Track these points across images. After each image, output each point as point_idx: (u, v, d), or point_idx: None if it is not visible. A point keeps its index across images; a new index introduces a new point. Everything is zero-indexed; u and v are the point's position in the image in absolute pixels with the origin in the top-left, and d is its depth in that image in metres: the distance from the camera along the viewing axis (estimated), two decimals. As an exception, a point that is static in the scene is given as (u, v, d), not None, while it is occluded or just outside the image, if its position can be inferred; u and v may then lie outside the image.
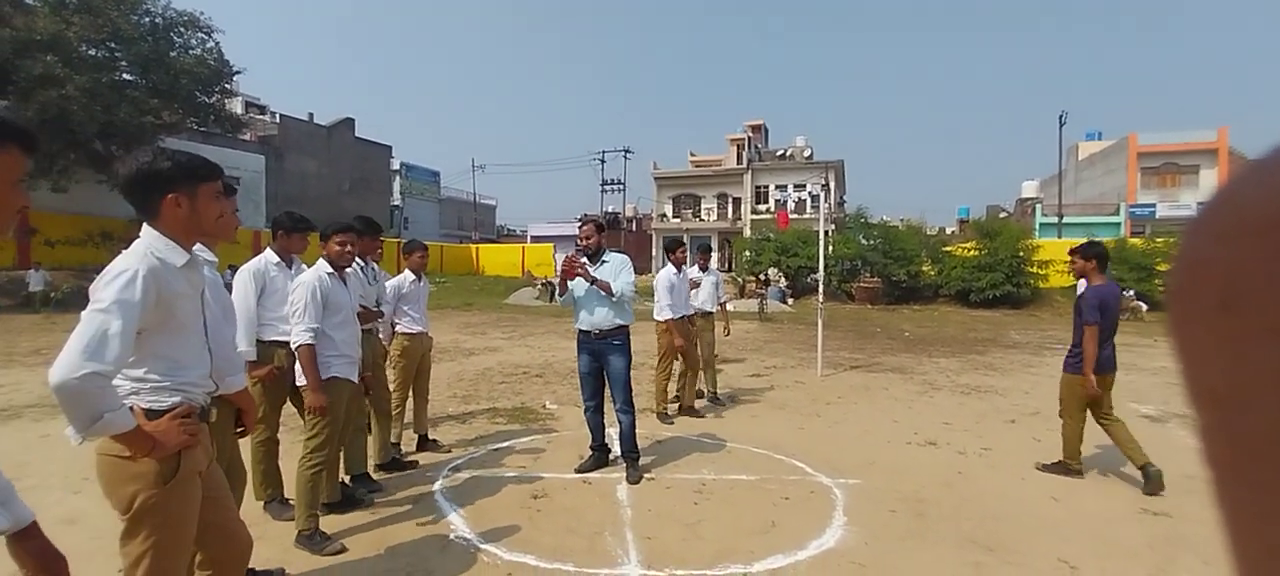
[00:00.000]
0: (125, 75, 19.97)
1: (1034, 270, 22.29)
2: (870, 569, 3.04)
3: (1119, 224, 29.84)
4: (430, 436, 5.00)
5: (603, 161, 42.78)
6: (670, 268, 6.12)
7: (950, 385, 8.11)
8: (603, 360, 4.40)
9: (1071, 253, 4.59)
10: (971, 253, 22.98)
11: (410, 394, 4.89)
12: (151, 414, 1.74)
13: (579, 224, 4.49)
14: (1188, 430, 5.83)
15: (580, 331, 4.45)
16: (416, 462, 4.53)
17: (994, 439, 5.43)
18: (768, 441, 5.20)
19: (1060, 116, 30.38)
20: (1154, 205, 30.57)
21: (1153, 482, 4.15)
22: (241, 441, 2.75)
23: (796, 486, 4.19)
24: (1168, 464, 4.77)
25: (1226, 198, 0.22)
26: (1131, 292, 19.99)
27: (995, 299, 21.54)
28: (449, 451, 4.86)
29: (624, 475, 4.27)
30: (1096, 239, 4.70)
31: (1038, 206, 33.63)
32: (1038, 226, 30.55)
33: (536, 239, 41.84)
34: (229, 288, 2.98)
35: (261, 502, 3.54)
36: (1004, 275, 21.61)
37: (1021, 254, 22.21)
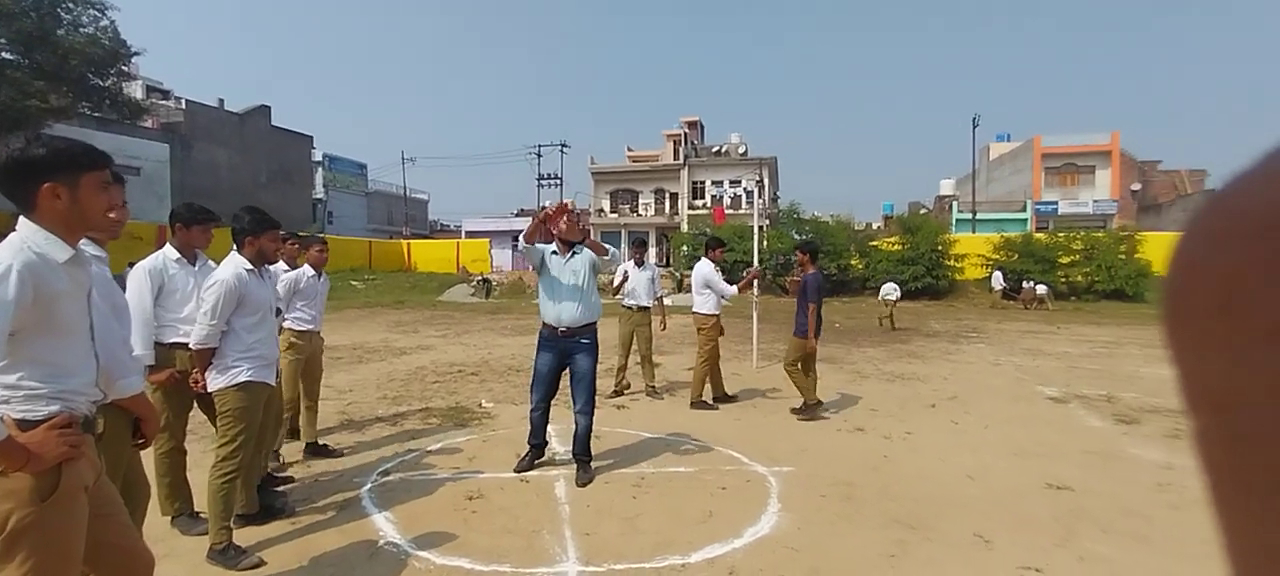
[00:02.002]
0: (4, 54, 18.08)
1: (951, 263, 23.66)
2: (803, 552, 3.13)
3: (1026, 220, 32.06)
4: (320, 442, 4.66)
5: (539, 155, 42.37)
6: (709, 264, 6.48)
7: (877, 373, 8.47)
8: (569, 359, 4.21)
9: (797, 248, 6.20)
10: (895, 247, 24.17)
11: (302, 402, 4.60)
12: (25, 424, 1.56)
13: (553, 210, 4.17)
14: (1087, 409, 6.33)
15: (546, 327, 4.23)
16: (291, 478, 4.12)
17: (916, 423, 5.70)
18: (705, 432, 5.27)
19: (973, 119, 32.35)
20: (1056, 203, 33.05)
21: (808, 412, 5.80)
22: (146, 453, 2.52)
23: (733, 476, 4.26)
24: (1070, 441, 5.17)
25: (1222, 200, 0.22)
26: (1033, 284, 21.50)
27: (917, 290, 22.72)
28: (341, 455, 4.57)
29: (562, 472, 4.22)
30: (810, 239, 6.19)
31: (954, 203, 35.69)
32: (954, 222, 32.44)
33: (471, 234, 40.83)
34: (123, 286, 2.74)
35: (168, 518, 3.28)
36: (924, 268, 22.85)
37: (940, 248, 23.55)
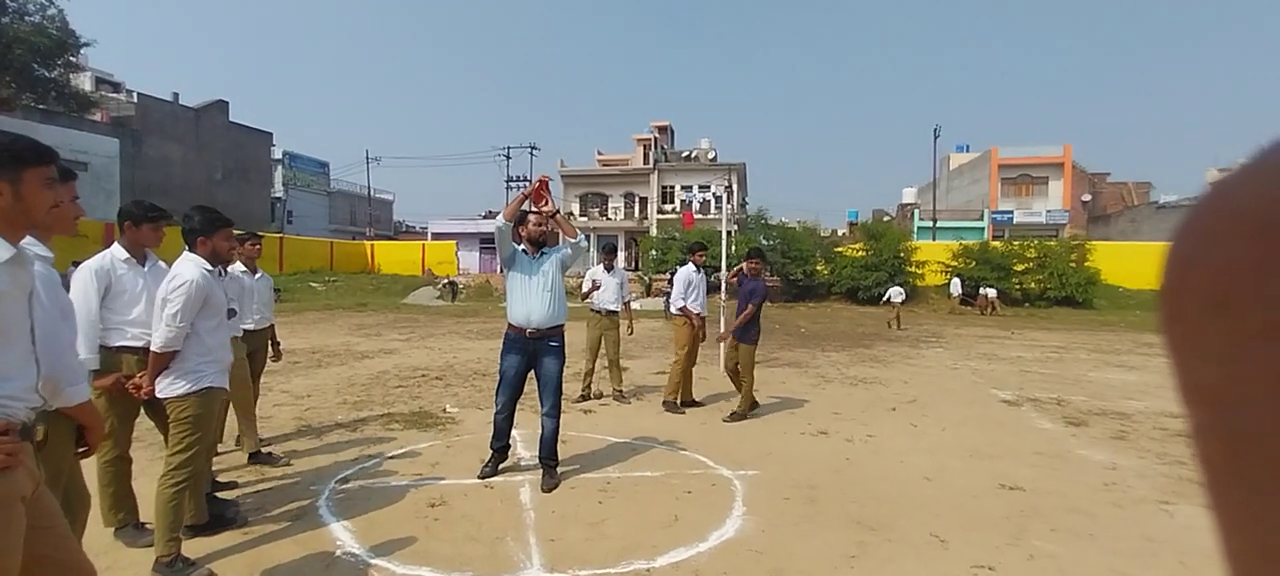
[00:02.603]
0: (-61, 41, 17.15)
1: (913, 270, 24.27)
2: (766, 555, 3.17)
3: (983, 228, 33.11)
4: (265, 449, 4.51)
5: (508, 157, 41.99)
6: (690, 266, 6.61)
7: (840, 377, 8.64)
8: (536, 362, 4.17)
9: (750, 254, 6.35)
10: (859, 253, 24.71)
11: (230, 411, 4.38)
12: (-43, 433, 1.49)
13: (538, 185, 4.16)
14: (1039, 412, 6.56)
15: (513, 328, 4.18)
16: (235, 482, 4.04)
17: (877, 426, 5.83)
18: (672, 437, 5.29)
19: (934, 130, 33.36)
20: (1011, 212, 34.21)
21: (740, 416, 5.96)
22: (87, 462, 2.41)
23: (698, 480, 4.29)
24: (1022, 442, 5.35)
25: (1217, 198, 0.22)
26: (994, 292, 22.19)
27: (880, 296, 23.20)
28: (288, 464, 4.41)
29: (527, 477, 4.18)
30: (758, 245, 6.46)
31: (916, 211, 36.62)
32: (916, 229, 33.28)
33: (438, 236, 40.18)
34: (68, 286, 2.62)
35: (112, 529, 3.14)
36: (887, 274, 23.37)
37: (902, 255, 24.15)
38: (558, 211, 4.21)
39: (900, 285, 18.90)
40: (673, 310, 6.61)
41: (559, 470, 4.25)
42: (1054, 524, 3.60)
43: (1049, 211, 34.13)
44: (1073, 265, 23.44)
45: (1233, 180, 0.21)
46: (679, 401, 6.41)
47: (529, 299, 4.12)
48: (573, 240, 4.19)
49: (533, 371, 4.23)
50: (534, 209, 4.18)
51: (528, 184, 4.44)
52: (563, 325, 4.26)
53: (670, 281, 25.54)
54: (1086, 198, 35.99)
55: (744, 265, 6.28)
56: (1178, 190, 35.25)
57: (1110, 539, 3.43)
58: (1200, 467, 0.22)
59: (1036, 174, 35.43)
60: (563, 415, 4.35)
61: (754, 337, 6.06)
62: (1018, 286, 23.38)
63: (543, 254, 4.20)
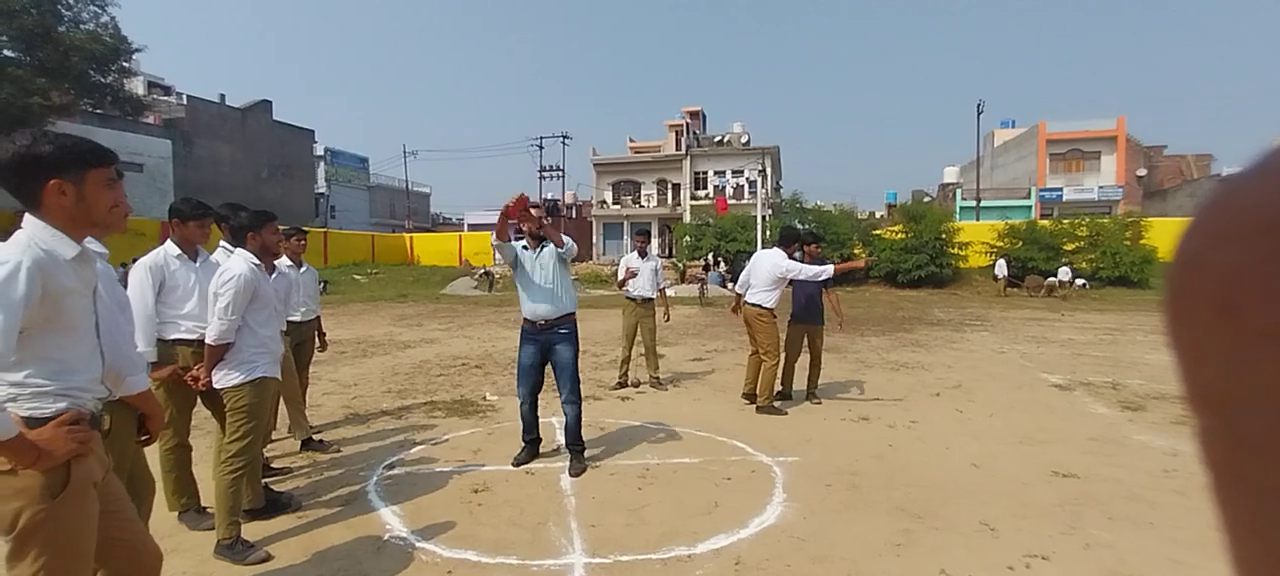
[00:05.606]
0: (6, 51, 18.08)
1: (955, 251, 23.56)
2: (808, 542, 3.13)
3: (1030, 207, 31.88)
4: (316, 437, 4.65)
5: (541, 147, 42.08)
6: (779, 252, 5.74)
7: (880, 362, 8.46)
8: (549, 351, 4.26)
9: (811, 238, 6.52)
10: (899, 236, 24.06)
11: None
12: (33, 422, 1.57)
13: (525, 208, 4.22)
14: (1093, 396, 6.31)
15: (526, 321, 4.28)
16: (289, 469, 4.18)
17: (920, 412, 5.70)
18: (710, 423, 5.27)
19: (978, 105, 32.00)
20: (1061, 189, 32.82)
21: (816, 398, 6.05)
22: (149, 449, 2.54)
23: (738, 466, 4.26)
24: (1075, 428, 5.16)
25: (1225, 198, 0.21)
26: (1068, 272, 21.23)
27: (920, 279, 22.66)
28: (338, 451, 4.55)
29: (567, 464, 4.23)
30: (796, 228, 6.43)
31: (958, 191, 35.45)
32: (958, 210, 32.24)
33: (474, 227, 40.84)
34: (125, 283, 2.75)
35: (175, 513, 3.30)
36: (928, 256, 22.75)
37: (944, 236, 23.44)
38: (544, 222, 4.25)
39: (1066, 266, 21.33)
40: (753, 302, 5.78)
41: (589, 454, 4.30)
42: (1111, 512, 3.47)
43: (1101, 188, 32.59)
44: (1127, 243, 22.39)
45: (1242, 179, 0.21)
46: (779, 395, 5.86)
47: (534, 293, 4.22)
48: (561, 250, 4.26)
49: (550, 361, 4.30)
50: (516, 223, 4.20)
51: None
52: (573, 314, 4.31)
53: (705, 268, 25.15)
54: (1142, 172, 34.27)
55: (804, 249, 6.21)
56: (1242, 163, 33.24)
57: (1171, 527, 3.28)
58: (1206, 470, 0.22)
59: (1087, 148, 33.87)
60: (599, 402, 4.39)
61: (823, 318, 6.32)
62: (1067, 265, 22.50)
63: (542, 248, 4.25)
